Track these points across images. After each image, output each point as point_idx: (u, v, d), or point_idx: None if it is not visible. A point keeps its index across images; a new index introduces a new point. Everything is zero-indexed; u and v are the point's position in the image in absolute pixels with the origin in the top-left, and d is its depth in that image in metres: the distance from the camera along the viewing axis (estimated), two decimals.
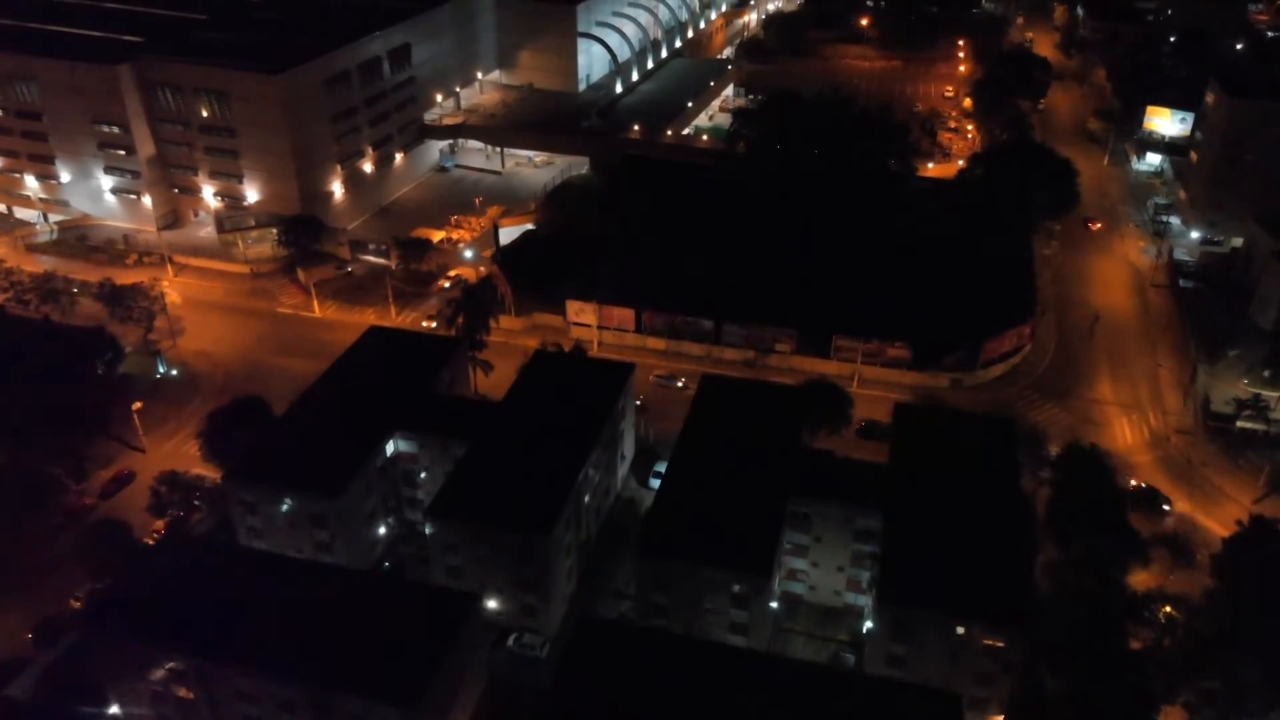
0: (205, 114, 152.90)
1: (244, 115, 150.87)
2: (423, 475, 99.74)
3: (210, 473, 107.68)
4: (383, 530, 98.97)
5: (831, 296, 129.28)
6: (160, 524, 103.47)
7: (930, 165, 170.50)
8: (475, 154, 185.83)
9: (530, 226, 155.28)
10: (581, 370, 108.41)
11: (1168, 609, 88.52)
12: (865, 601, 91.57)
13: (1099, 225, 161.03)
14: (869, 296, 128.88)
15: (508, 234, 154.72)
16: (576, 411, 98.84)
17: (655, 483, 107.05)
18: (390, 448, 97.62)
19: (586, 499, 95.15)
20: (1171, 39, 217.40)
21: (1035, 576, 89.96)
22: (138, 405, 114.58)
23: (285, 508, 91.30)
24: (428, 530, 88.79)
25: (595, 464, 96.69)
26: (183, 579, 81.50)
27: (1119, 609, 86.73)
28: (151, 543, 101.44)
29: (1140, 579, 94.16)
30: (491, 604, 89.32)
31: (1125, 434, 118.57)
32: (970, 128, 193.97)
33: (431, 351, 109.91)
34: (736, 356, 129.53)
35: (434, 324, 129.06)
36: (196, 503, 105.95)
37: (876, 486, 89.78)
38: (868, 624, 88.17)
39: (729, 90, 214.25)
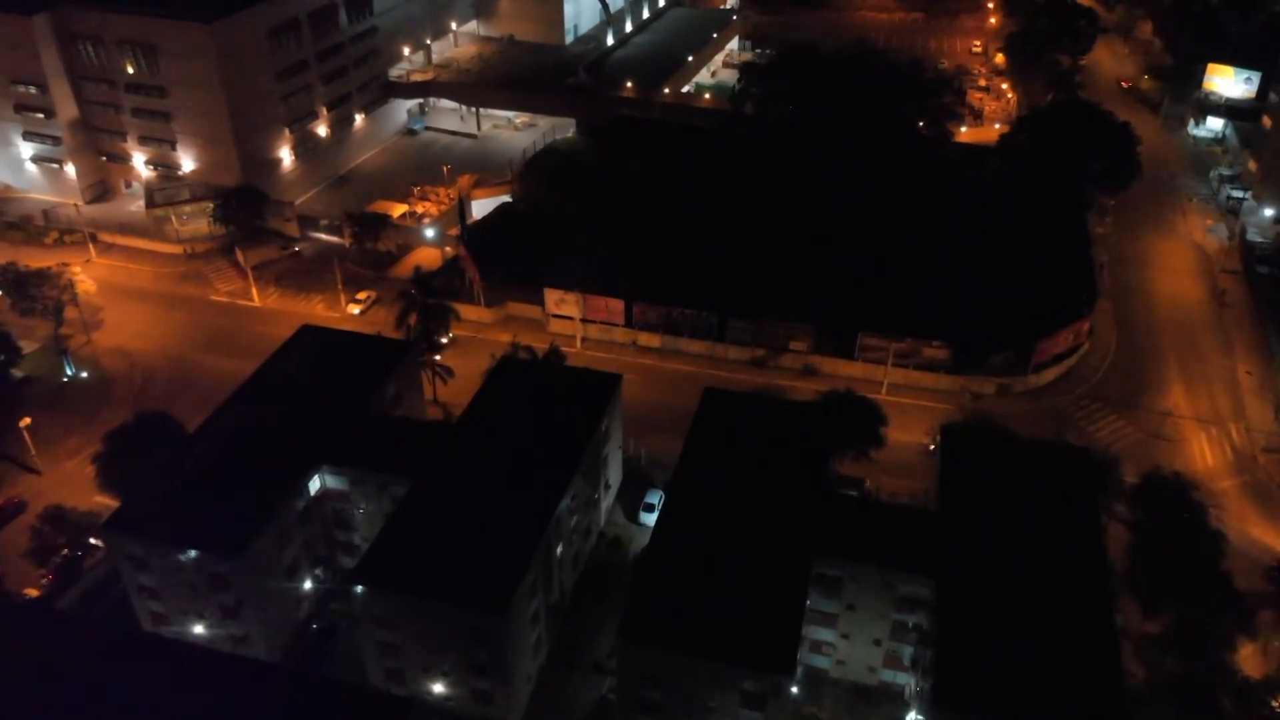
0: (131, 70, 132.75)
1: (174, 71, 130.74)
2: (360, 513, 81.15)
3: (112, 503, 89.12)
4: (309, 585, 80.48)
5: (855, 285, 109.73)
6: (48, 572, 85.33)
7: (963, 129, 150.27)
8: (448, 115, 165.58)
9: (506, 199, 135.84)
10: (557, 382, 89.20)
11: None
12: (907, 680, 73.58)
13: (1130, 84, 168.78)
14: (900, 285, 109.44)
15: (482, 207, 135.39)
16: (549, 437, 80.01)
17: (647, 517, 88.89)
18: (315, 484, 78.89)
19: (559, 550, 76.59)
20: None
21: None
22: (25, 421, 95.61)
23: (180, 563, 72.76)
24: (356, 592, 70.16)
25: (571, 503, 78.10)
26: (42, 673, 63.11)
27: (1227, 702, 68.64)
28: (37, 594, 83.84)
29: (1246, 652, 76.01)
30: (438, 688, 71.19)
31: (1204, 453, 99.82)
32: (1006, 86, 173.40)
33: (376, 357, 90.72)
34: (743, 356, 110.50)
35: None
36: (94, 541, 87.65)
37: (924, 540, 71.20)
38: (911, 715, 70.26)
39: (733, 44, 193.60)
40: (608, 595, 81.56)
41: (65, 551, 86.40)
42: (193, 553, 71.57)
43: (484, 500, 74.27)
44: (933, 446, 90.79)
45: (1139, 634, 76.15)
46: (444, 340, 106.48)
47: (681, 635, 64.50)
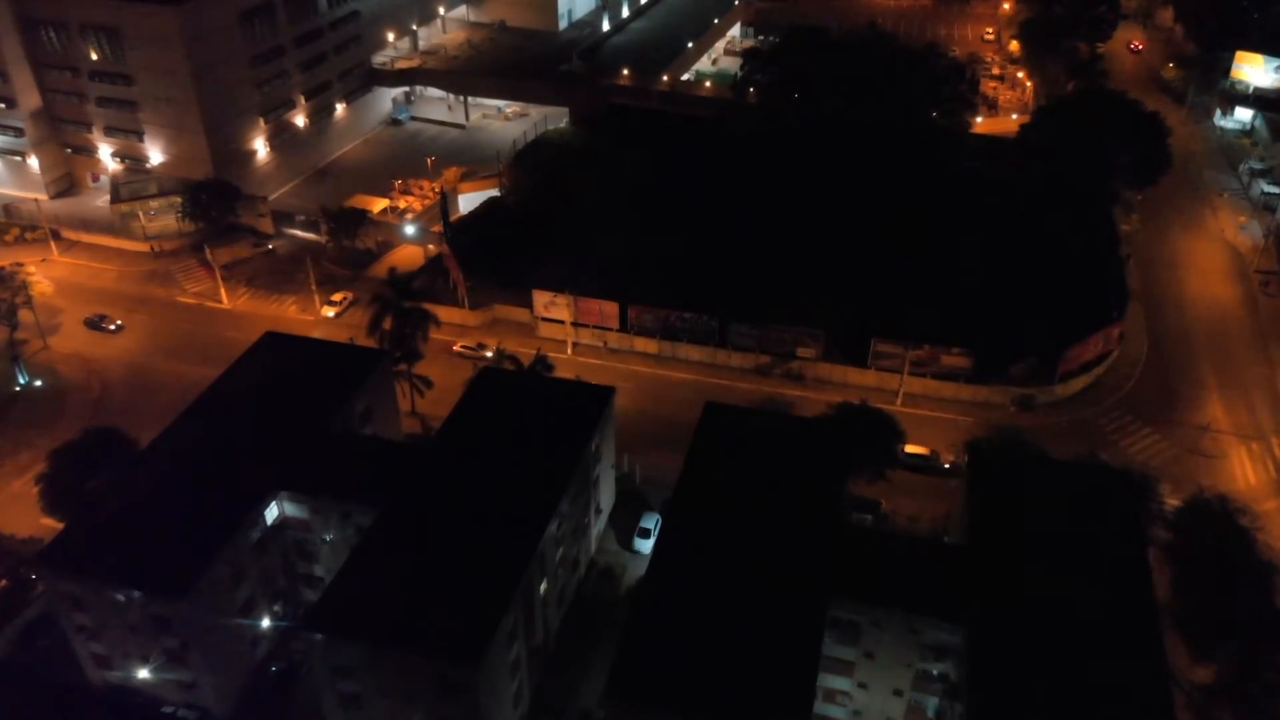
0: (95, 57, 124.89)
1: (141, 57, 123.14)
2: (323, 542, 73.41)
3: (59, 526, 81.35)
4: (266, 622, 72.80)
5: (868, 287, 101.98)
6: None
7: (978, 120, 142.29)
8: (435, 104, 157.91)
9: (494, 193, 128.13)
10: (544, 395, 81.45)
11: None
12: None
13: (1142, 46, 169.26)
14: (916, 287, 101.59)
15: (468, 202, 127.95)
16: (534, 456, 72.38)
17: (642, 543, 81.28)
18: (273, 512, 71.14)
19: (543, 587, 68.92)
20: None
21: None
22: None
23: (119, 603, 65.11)
24: (316, 639, 62.51)
25: (558, 532, 70.47)
26: None
27: None
28: None
29: None
30: None
31: (1246, 470, 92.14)
32: (1021, 75, 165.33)
33: (344, 369, 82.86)
34: (747, 363, 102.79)
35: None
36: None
37: (952, 579, 63.55)
38: None
39: (735, 30, 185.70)
40: (598, 634, 74.04)
41: (3, 584, 79.00)
42: (134, 592, 63.88)
43: (459, 530, 66.62)
44: (962, 465, 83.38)
45: (1189, 681, 68.52)
46: (489, 354, 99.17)
47: (678, 691, 56.78)
